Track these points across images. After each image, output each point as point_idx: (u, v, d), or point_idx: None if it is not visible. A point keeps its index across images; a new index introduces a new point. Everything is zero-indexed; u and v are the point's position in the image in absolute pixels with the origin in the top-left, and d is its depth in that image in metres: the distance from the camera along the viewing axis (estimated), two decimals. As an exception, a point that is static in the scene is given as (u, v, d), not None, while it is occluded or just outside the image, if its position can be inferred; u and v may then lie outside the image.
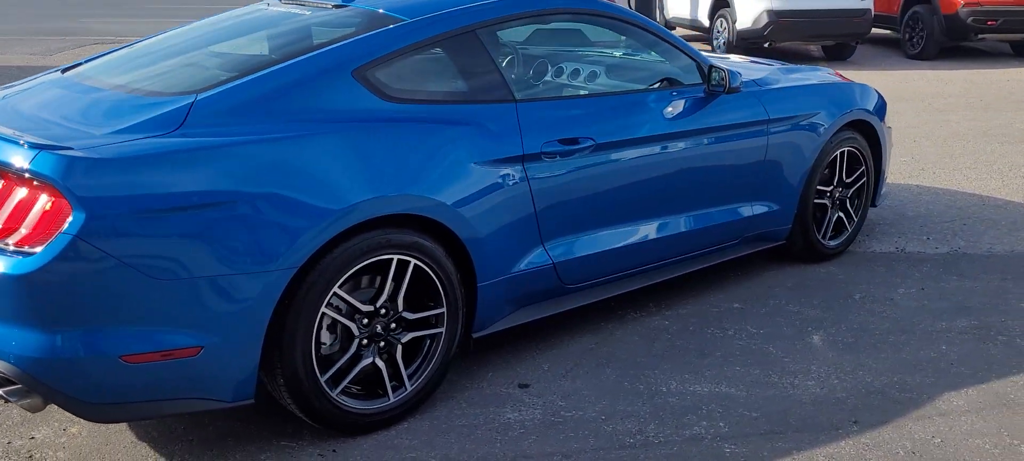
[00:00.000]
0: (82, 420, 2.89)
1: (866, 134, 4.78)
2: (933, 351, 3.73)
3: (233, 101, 2.82)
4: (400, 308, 3.02)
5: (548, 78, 4.06)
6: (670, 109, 3.82)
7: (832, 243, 4.73)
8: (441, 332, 3.13)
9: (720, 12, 12.50)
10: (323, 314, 2.83)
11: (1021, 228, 5.32)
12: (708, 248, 4.11)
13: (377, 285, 2.99)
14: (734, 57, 5.36)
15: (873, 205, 5.01)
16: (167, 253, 2.52)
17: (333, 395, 2.89)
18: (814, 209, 4.64)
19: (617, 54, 4.29)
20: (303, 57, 3.02)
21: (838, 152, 4.60)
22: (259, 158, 2.67)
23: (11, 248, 2.46)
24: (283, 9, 3.70)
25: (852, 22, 11.94)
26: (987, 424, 3.15)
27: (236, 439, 3.00)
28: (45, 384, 2.50)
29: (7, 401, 2.62)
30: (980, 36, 12.42)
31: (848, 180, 4.73)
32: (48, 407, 2.66)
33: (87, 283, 2.45)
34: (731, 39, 12.16)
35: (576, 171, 3.46)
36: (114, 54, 3.62)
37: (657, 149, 3.73)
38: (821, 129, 4.41)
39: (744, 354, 3.67)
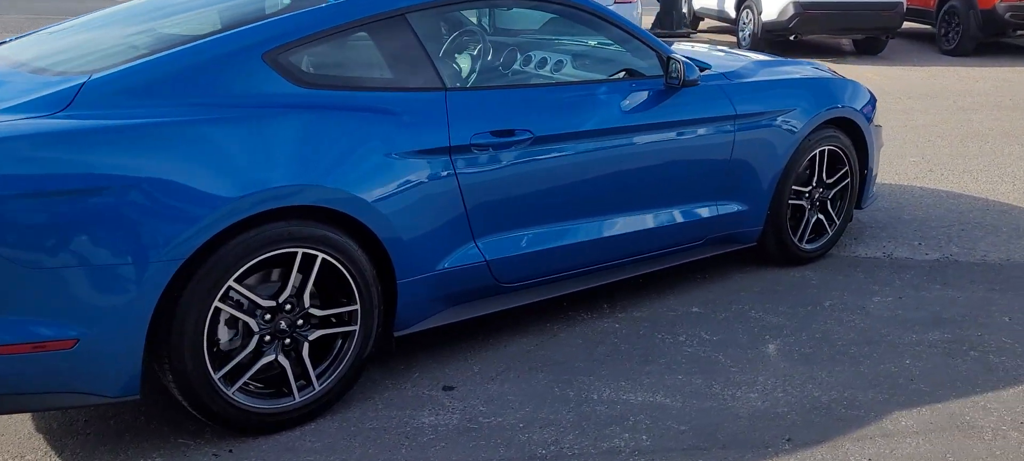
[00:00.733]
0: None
1: (850, 133, 4.53)
2: (894, 365, 3.50)
3: (128, 82, 2.70)
4: (306, 304, 2.89)
5: (495, 67, 3.87)
6: (624, 102, 3.63)
7: (809, 246, 4.50)
8: (354, 330, 3.00)
9: (746, 4, 12.17)
10: (219, 309, 2.71)
11: (1022, 235, 5.03)
12: (666, 249, 3.92)
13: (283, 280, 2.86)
14: (698, 47, 5.07)
15: (858, 208, 4.77)
16: (37, 240, 2.41)
17: (228, 393, 2.77)
18: (791, 210, 4.42)
19: (577, 45, 4.09)
20: (212, 38, 2.90)
21: (817, 151, 4.37)
22: (142, 143, 2.55)
23: None
24: None
25: (882, 15, 11.54)
26: (933, 447, 2.93)
27: (134, 435, 2.90)
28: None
29: None
30: (1018, 32, 11.94)
31: (829, 180, 4.50)
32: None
33: (-48, 269, 2.36)
34: (756, 31, 11.83)
35: (512, 165, 3.29)
36: (52, 29, 3.53)
37: (606, 144, 3.54)
38: (796, 126, 4.18)
39: (690, 362, 3.48)
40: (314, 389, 2.95)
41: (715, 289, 4.19)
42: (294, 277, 2.84)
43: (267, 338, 2.84)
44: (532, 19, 4.16)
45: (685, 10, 14.53)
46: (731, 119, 3.94)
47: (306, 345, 2.91)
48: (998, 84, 10.20)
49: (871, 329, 3.82)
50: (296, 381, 2.92)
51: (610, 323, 3.79)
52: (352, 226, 2.93)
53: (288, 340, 2.89)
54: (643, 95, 3.68)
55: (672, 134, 3.73)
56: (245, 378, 2.80)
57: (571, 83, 3.62)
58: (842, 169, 4.53)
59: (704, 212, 3.98)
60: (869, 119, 4.60)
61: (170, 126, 2.62)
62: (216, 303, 2.68)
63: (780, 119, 4.13)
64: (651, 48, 3.79)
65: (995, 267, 4.57)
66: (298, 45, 2.97)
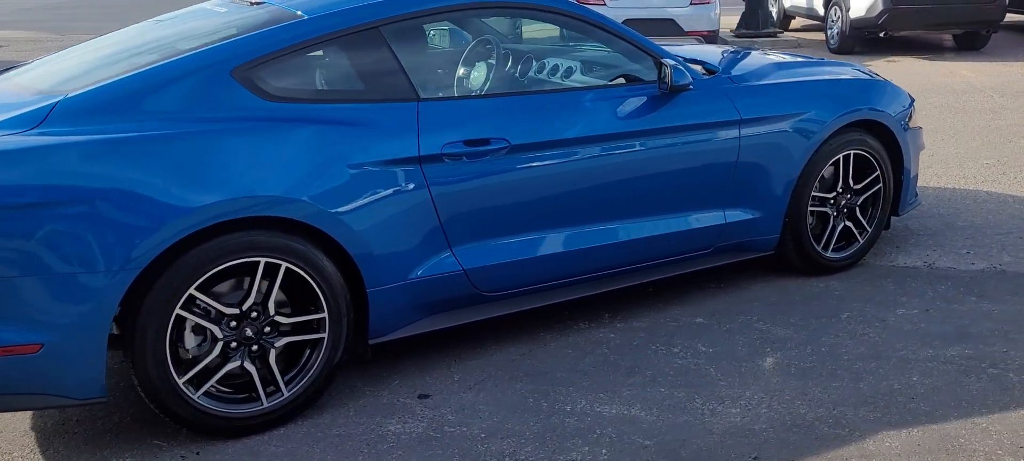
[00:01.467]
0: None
1: (881, 136, 4.31)
2: (899, 382, 3.32)
3: (100, 100, 2.84)
4: (271, 312, 2.96)
5: (475, 77, 3.86)
6: (612, 109, 3.57)
7: (835, 255, 4.30)
8: (323, 338, 3.05)
9: (834, 1, 11.73)
10: (182, 316, 2.81)
11: (1084, 244, 4.68)
12: (666, 258, 3.82)
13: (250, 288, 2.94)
14: (709, 49, 4.87)
15: (895, 214, 4.53)
16: (2, 249, 2.56)
17: (193, 397, 2.87)
18: (814, 218, 4.24)
19: (568, 52, 4.04)
20: (183, 56, 3.01)
21: (841, 155, 4.18)
22: (102, 157, 2.68)
23: None
24: (221, 7, 3.71)
25: (981, 8, 10.92)
26: (912, 471, 2.77)
27: (114, 434, 3.04)
28: None
29: None
30: None
31: (857, 186, 4.29)
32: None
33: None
34: (845, 29, 11.39)
35: (488, 175, 3.28)
36: (71, 50, 3.74)
37: (592, 152, 3.49)
38: (813, 130, 4.01)
39: (678, 374, 3.39)
40: (283, 395, 3.02)
41: (726, 299, 4.06)
42: (257, 286, 2.91)
43: (233, 344, 2.93)
44: (519, 28, 4.12)
45: (775, 9, 14.14)
46: (735, 124, 3.81)
47: (273, 352, 2.99)
48: (1107, 79, 9.50)
49: (884, 343, 3.63)
50: (265, 386, 3.00)
51: (606, 332, 3.73)
52: (318, 236, 2.99)
53: (255, 347, 2.97)
54: (634, 101, 3.61)
55: (666, 140, 3.64)
56: (211, 383, 2.90)
57: (553, 91, 3.58)
58: (873, 174, 4.31)
59: (709, 220, 3.87)
60: (903, 121, 4.37)
61: (132, 141, 2.75)
62: (178, 311, 2.79)
63: (793, 123, 3.97)
64: (644, 52, 3.71)
65: (1044, 278, 4.28)
66: (268, 60, 3.05)
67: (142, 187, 2.69)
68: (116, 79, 2.93)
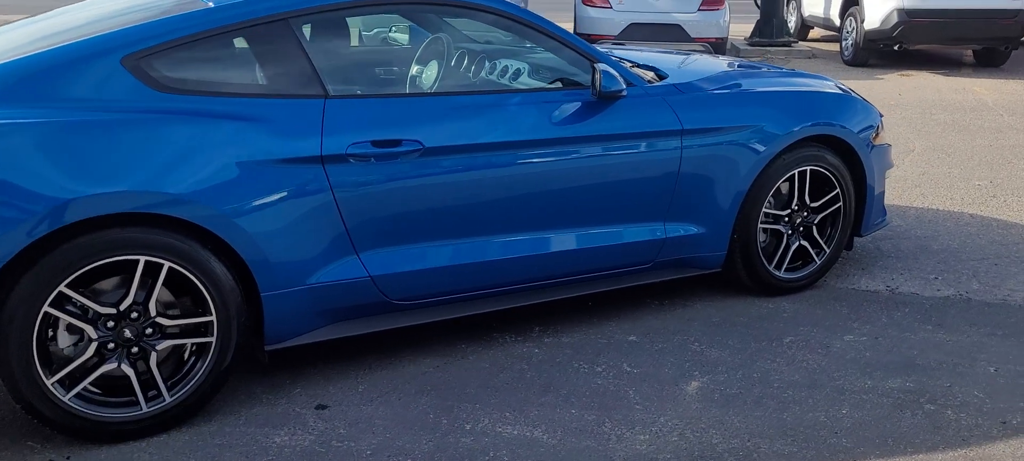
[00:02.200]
0: None
1: (841, 152, 4.10)
2: (826, 415, 3.12)
3: (-20, 85, 2.73)
4: (152, 313, 2.83)
5: (394, 76, 3.69)
6: (540, 114, 3.40)
7: (788, 275, 4.10)
8: (210, 341, 2.92)
9: (850, 10, 11.43)
10: (54, 314, 2.69)
11: (1061, 274, 4.43)
12: (598, 271, 3.65)
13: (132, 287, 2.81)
14: (665, 54, 4.64)
15: (858, 235, 4.31)
16: None
17: (63, 399, 2.74)
18: (768, 235, 4.04)
19: (502, 53, 3.86)
20: (75, 41, 2.89)
21: (796, 172, 3.97)
22: None
23: None
24: None
25: (999, 24, 10.56)
26: (813, 514, 2.57)
27: (-9, 433, 2.93)
28: None
29: None
30: None
31: (814, 204, 4.08)
32: None
33: None
34: (859, 40, 11.09)
35: (399, 178, 3.13)
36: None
37: (514, 158, 3.32)
38: (764, 143, 3.81)
39: (594, 395, 3.22)
40: (164, 400, 2.89)
41: (665, 317, 3.87)
42: (136, 285, 2.78)
43: (110, 345, 2.80)
44: (451, 27, 3.95)
45: (793, 18, 13.85)
46: (676, 134, 3.62)
47: (154, 355, 2.86)
48: None
49: (822, 371, 3.42)
50: (148, 390, 2.87)
51: (530, 347, 3.57)
52: (205, 235, 2.85)
53: (135, 349, 2.84)
54: (564, 106, 3.44)
55: (596, 149, 3.46)
56: (83, 385, 2.77)
57: (474, 92, 3.41)
58: (832, 192, 4.10)
59: (646, 233, 3.68)
60: (867, 138, 4.15)
61: (4, 128, 2.63)
62: (46, 308, 2.66)
63: (741, 135, 3.77)
64: (580, 54, 3.54)
65: (1012, 309, 4.03)
66: (164, 49, 2.92)
67: (8, 175, 2.57)
68: (4, 61, 2.82)
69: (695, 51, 10.35)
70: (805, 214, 4.08)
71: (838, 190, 4.10)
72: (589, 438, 2.95)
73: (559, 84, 3.58)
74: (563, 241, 3.50)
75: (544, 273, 3.52)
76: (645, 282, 3.83)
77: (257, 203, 2.90)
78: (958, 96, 9.34)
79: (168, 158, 2.77)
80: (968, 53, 12.15)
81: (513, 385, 3.28)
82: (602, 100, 3.47)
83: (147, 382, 2.88)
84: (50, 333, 2.75)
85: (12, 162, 2.59)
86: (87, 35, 2.94)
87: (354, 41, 3.55)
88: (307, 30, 3.13)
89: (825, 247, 4.16)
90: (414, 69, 3.78)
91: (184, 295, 2.91)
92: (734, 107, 3.80)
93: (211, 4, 3.10)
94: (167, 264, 2.79)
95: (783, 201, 4.04)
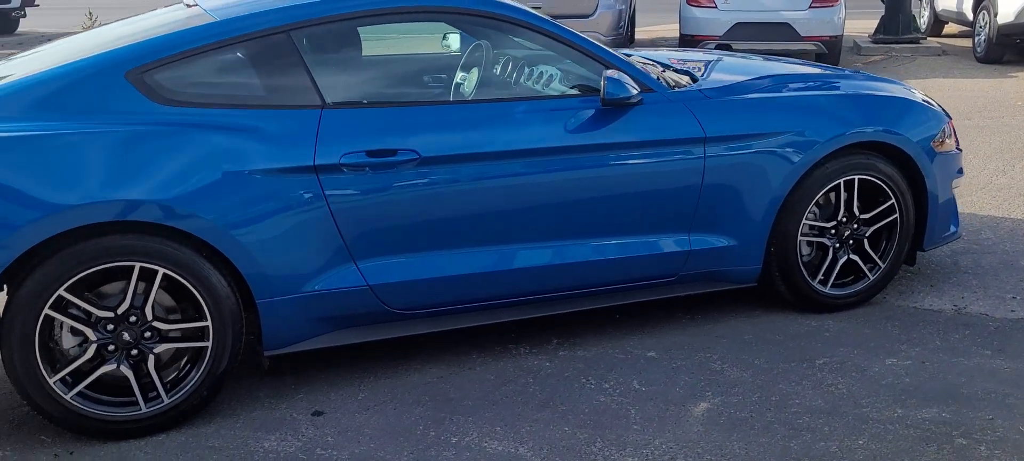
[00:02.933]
0: None
1: (897, 160, 3.81)
2: (839, 445, 2.90)
3: (-2, 97, 2.91)
4: (149, 317, 2.94)
5: (395, 86, 3.63)
6: (548, 122, 3.31)
7: (836, 292, 3.84)
8: (206, 346, 3.00)
9: (983, 4, 10.65)
10: (55, 317, 2.83)
11: None
12: (617, 283, 3.52)
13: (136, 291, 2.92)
14: (673, 54, 4.41)
15: (921, 249, 3.99)
16: None
17: (65, 397, 2.88)
18: (814, 249, 3.81)
19: (511, 61, 3.76)
20: (82, 58, 3.04)
21: (841, 181, 3.71)
22: None
23: None
24: (178, 9, 3.72)
25: None
26: (788, 553, 2.39)
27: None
28: None
29: None
30: None
31: (866, 216, 3.81)
32: None
33: None
34: (992, 36, 10.31)
35: (396, 187, 3.12)
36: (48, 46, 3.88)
37: (519, 167, 3.25)
38: (800, 151, 3.58)
39: (594, 413, 3.11)
40: (163, 401, 2.99)
41: (694, 332, 3.70)
42: (133, 290, 2.89)
43: (110, 348, 2.92)
44: (458, 36, 3.89)
45: (926, 13, 13.04)
46: (699, 142, 3.46)
47: (152, 357, 2.96)
48: None
49: (850, 397, 3.19)
50: (148, 392, 2.99)
51: (542, 360, 3.49)
52: (200, 243, 2.93)
53: (135, 351, 2.96)
54: (574, 114, 3.34)
55: (606, 158, 3.34)
56: (83, 385, 2.90)
57: (477, 101, 3.35)
58: (886, 203, 3.82)
59: (669, 245, 3.53)
60: (927, 144, 3.84)
61: (15, 139, 2.78)
62: (47, 311, 2.81)
63: (774, 142, 3.55)
64: (593, 59, 3.42)
65: (1089, 334, 3.64)
66: (166, 63, 3.02)
67: (15, 182, 2.73)
68: (18, 78, 2.99)
69: (805, 51, 9.93)
70: (855, 226, 3.82)
71: (893, 200, 3.81)
72: (574, 458, 2.85)
73: (576, 91, 3.49)
74: (574, 252, 3.40)
75: (554, 285, 3.43)
76: (673, 295, 3.68)
77: (250, 213, 2.96)
78: (1098, 95, 8.54)
79: (164, 169, 2.87)
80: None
81: (512, 399, 3.21)
82: (613, 107, 3.35)
83: (149, 384, 2.99)
84: (55, 334, 2.90)
85: (19, 169, 2.75)
86: (98, 51, 3.09)
87: (357, 51, 3.56)
88: (307, 42, 3.17)
89: (879, 262, 3.87)
90: (420, 78, 3.77)
91: (184, 300, 3.00)
92: (766, 113, 3.59)
93: (215, 18, 3.19)
94: (162, 270, 2.89)
95: (830, 212, 3.79)
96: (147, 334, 2.96)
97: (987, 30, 10.47)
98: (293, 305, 3.10)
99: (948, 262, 4.44)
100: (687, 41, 10.40)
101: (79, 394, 2.91)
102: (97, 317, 2.90)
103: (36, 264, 2.78)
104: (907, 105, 3.88)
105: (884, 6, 11.77)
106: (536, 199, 3.30)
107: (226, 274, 2.99)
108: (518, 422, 3.07)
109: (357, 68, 3.59)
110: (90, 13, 12.65)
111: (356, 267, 3.16)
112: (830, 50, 10.15)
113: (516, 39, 3.58)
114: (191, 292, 2.95)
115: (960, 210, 5.17)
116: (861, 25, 12.94)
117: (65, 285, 2.81)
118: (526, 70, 3.67)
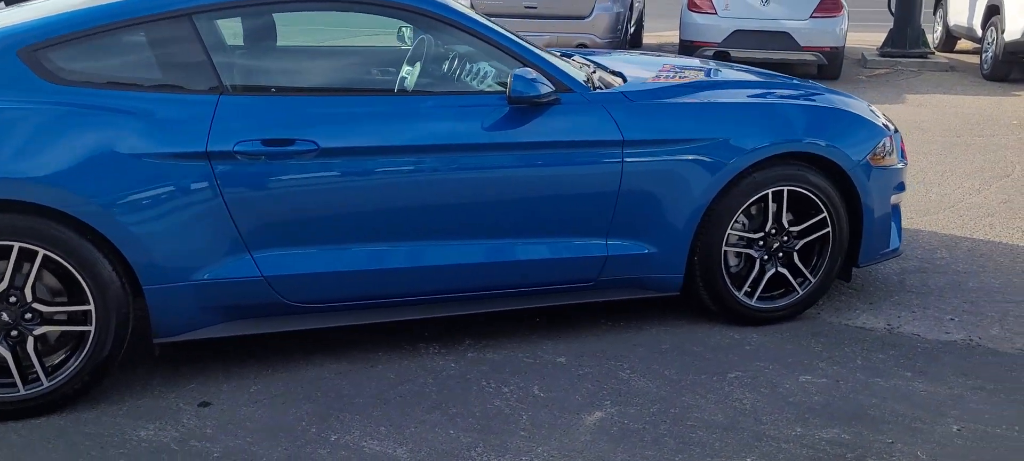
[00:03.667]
0: None
1: (832, 173, 3.69)
2: (725, 462, 2.80)
3: None
4: (29, 298, 2.90)
5: (300, 75, 3.54)
6: (456, 118, 3.24)
7: (762, 304, 3.73)
8: (89, 331, 2.96)
9: (991, 20, 10.42)
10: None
11: (1105, 325, 3.81)
12: (524, 286, 3.44)
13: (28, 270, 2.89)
14: (644, 57, 4.29)
15: (856, 265, 3.87)
16: None
17: (-61, 374, 2.86)
18: (743, 260, 3.70)
19: (426, 54, 3.67)
20: (-20, 34, 3.01)
21: (769, 191, 3.61)
22: None
23: None
24: None
25: None
26: None
27: None
28: None
29: None
30: None
31: (795, 229, 3.70)
32: None
33: None
34: (998, 53, 10.08)
35: (293, 178, 3.06)
36: None
37: (422, 163, 3.18)
38: (725, 159, 3.47)
39: (484, 418, 3.03)
40: (43, 384, 2.95)
41: (612, 339, 3.61)
42: (11, 270, 2.86)
43: (-12, 328, 2.90)
44: (374, 25, 3.79)
45: (938, 29, 12.80)
46: (616, 145, 3.37)
47: (32, 339, 2.93)
48: None
49: (752, 413, 3.09)
50: (28, 373, 2.95)
51: (448, 361, 3.41)
52: (83, 225, 2.89)
53: (14, 332, 2.92)
54: (484, 111, 3.26)
55: (513, 158, 3.26)
56: (-38, 362, 2.88)
57: (382, 93, 3.28)
58: (817, 216, 3.70)
59: (584, 250, 3.44)
60: (864, 158, 3.71)
61: None
62: (-80, 288, 2.79)
63: (697, 148, 3.45)
64: (510, 56, 3.34)
65: (1018, 359, 3.50)
66: (62, 42, 2.98)
67: None
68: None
69: (805, 61, 9.76)
70: (784, 238, 3.71)
71: (825, 214, 3.70)
72: (449, 462, 2.78)
73: (490, 88, 3.41)
74: (482, 252, 3.33)
75: (461, 285, 3.35)
76: (593, 300, 3.60)
77: (138, 197, 2.92)
78: (1099, 117, 8.30)
79: (49, 149, 2.83)
80: None
81: (406, 399, 3.14)
82: (524, 106, 3.27)
83: (30, 366, 2.96)
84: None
85: None
86: (-2, 27, 3.06)
87: (268, 40, 3.50)
88: (208, 26, 3.12)
89: (809, 276, 3.76)
90: (329, 70, 3.70)
91: (71, 284, 2.96)
92: (688, 119, 3.49)
93: (121, -1, 3.15)
94: (41, 252, 2.86)
95: (759, 223, 3.69)
96: (27, 315, 2.92)
97: (994, 47, 10.24)
98: (184, 293, 3.05)
99: (894, 280, 4.31)
100: (686, 47, 10.27)
101: (-44, 373, 2.89)
102: (-23, 298, 2.87)
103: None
104: (843, 117, 3.76)
105: (893, 19, 11.56)
106: (440, 196, 3.22)
107: (114, 259, 2.95)
108: (405, 423, 3.00)
109: (263, 56, 3.53)
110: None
111: (251, 257, 3.10)
112: (830, 61, 9.98)
113: (434, 34, 3.51)
114: (74, 275, 2.91)
115: (923, 229, 5.06)
116: (871, 38, 12.72)
117: (-61, 263, 2.79)
118: (445, 65, 3.59)
